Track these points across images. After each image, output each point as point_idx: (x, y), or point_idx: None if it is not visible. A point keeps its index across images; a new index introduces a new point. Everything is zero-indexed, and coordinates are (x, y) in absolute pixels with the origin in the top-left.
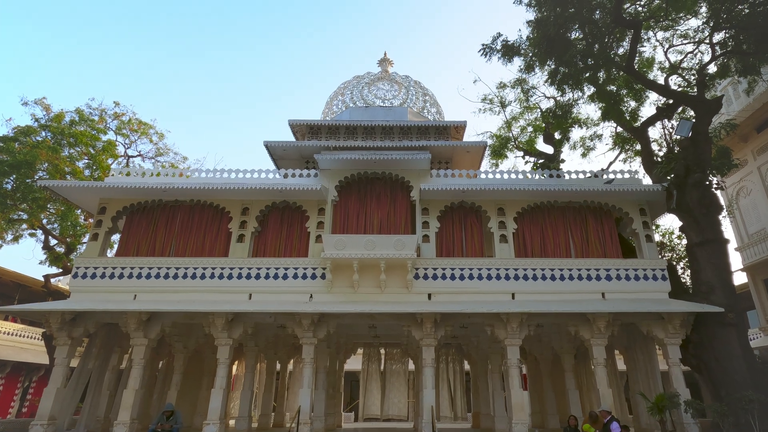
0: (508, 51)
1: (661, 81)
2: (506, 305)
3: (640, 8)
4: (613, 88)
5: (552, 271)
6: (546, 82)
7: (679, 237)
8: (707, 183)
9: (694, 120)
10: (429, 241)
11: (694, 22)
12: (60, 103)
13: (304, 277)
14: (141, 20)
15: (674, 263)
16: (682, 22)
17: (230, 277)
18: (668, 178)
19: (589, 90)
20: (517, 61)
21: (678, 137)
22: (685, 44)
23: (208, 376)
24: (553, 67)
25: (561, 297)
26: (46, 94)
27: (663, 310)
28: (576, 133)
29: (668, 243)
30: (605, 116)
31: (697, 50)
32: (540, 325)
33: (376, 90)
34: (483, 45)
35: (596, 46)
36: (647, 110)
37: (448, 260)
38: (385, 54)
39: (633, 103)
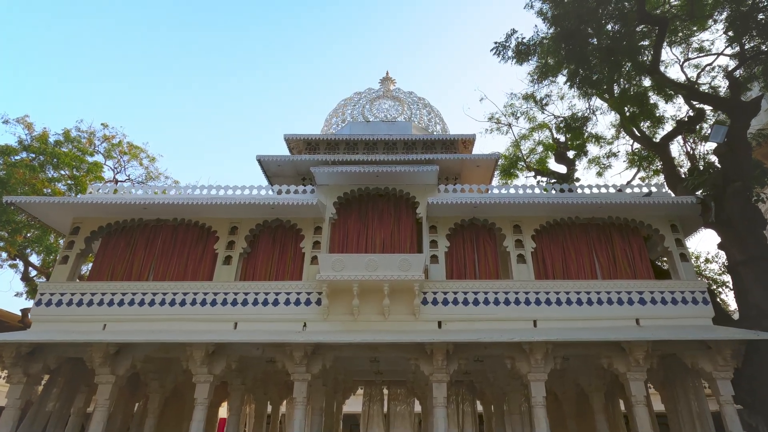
0: (521, 53)
1: (674, 98)
2: (529, 333)
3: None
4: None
5: (578, 295)
6: (565, 83)
7: (707, 260)
8: (749, 193)
9: (728, 125)
10: (438, 262)
11: (708, 35)
12: (48, 124)
13: (297, 302)
14: (134, 38)
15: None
16: (696, 34)
17: (213, 303)
18: (697, 193)
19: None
20: (529, 69)
21: (712, 145)
22: (701, 57)
23: (190, 421)
24: (572, 68)
25: (589, 324)
26: (35, 118)
27: (712, 338)
28: (590, 151)
29: (695, 267)
30: (633, 120)
31: (715, 63)
32: (566, 358)
33: (378, 106)
34: (496, 43)
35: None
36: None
37: (460, 283)
38: (387, 73)
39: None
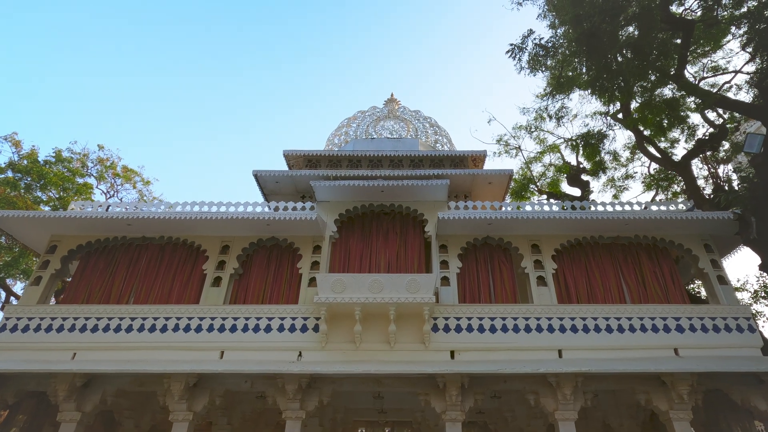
0: (537, 60)
1: (691, 119)
2: (556, 364)
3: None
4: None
5: (607, 321)
6: (586, 90)
7: (735, 289)
8: None
9: (765, 133)
10: (449, 285)
11: (722, 54)
12: (43, 145)
13: (292, 329)
14: (132, 58)
15: None
16: (711, 54)
17: (198, 329)
18: (732, 210)
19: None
20: (540, 87)
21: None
22: (717, 76)
23: None
24: (592, 73)
25: (622, 354)
26: (27, 137)
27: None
28: (607, 169)
29: None
30: (660, 129)
31: (732, 81)
32: (596, 394)
33: (382, 126)
34: (511, 45)
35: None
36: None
37: (474, 307)
38: (392, 95)
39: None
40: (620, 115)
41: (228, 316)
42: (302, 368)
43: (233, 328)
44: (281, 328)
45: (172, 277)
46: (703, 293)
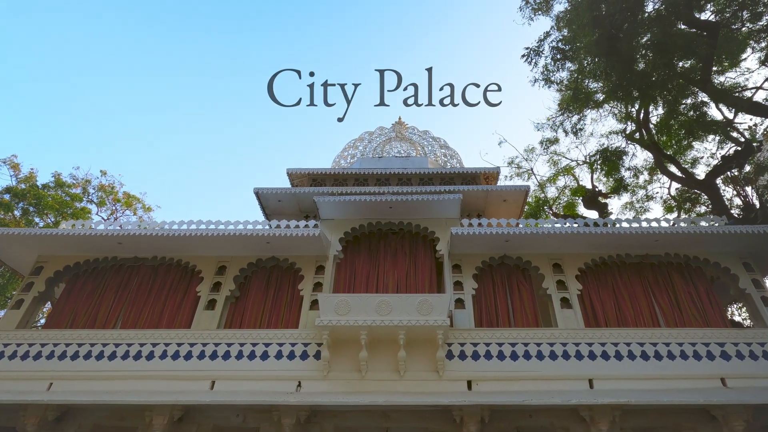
0: (552, 71)
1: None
2: (589, 395)
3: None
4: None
5: (642, 347)
6: (603, 106)
7: None
8: None
9: None
10: (464, 307)
11: (736, 72)
12: (42, 168)
13: (291, 356)
14: (134, 81)
15: None
16: (728, 71)
17: (188, 356)
18: None
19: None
20: (554, 105)
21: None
22: (736, 93)
23: None
24: (613, 80)
25: (661, 384)
26: (27, 161)
27: None
28: (628, 186)
29: None
30: (690, 135)
31: (753, 99)
32: (633, 430)
33: (391, 146)
34: (527, 48)
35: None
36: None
37: (493, 332)
38: (399, 118)
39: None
40: (637, 135)
41: (221, 341)
42: (301, 399)
43: (226, 355)
44: (279, 355)
45: (164, 300)
46: (737, 317)
